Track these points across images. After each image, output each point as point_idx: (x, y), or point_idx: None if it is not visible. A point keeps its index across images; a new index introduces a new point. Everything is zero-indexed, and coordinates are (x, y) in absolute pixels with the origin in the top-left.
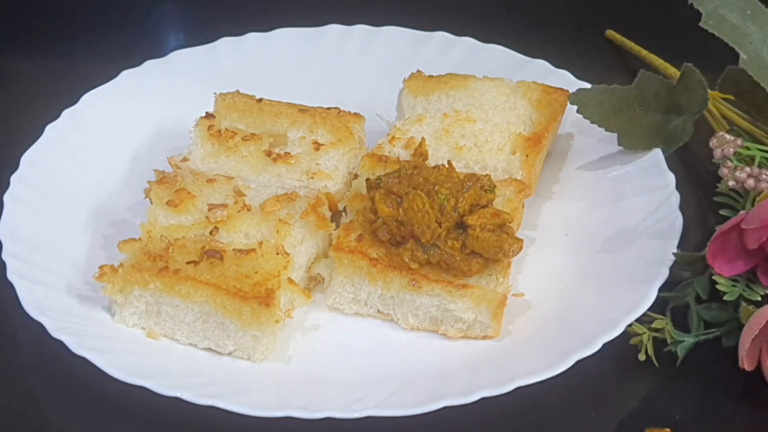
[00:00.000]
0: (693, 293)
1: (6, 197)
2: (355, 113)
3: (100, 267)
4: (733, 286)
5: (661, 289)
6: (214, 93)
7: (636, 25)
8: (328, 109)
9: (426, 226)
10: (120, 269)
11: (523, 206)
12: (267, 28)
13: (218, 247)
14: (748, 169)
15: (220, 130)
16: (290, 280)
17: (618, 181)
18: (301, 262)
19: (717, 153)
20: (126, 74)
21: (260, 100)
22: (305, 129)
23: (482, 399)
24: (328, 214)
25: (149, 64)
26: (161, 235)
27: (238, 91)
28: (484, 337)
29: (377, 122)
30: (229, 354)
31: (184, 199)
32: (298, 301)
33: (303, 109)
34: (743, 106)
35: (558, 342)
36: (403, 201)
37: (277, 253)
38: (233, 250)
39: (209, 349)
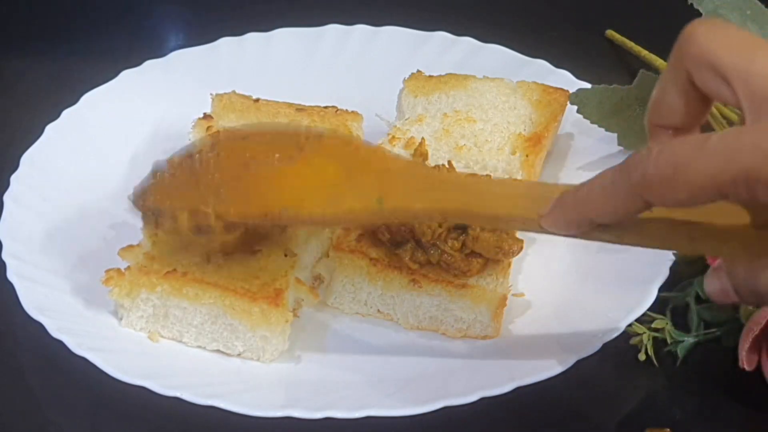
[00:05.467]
0: (693, 293)
1: (6, 197)
2: (352, 111)
3: (107, 271)
4: None
5: (661, 289)
6: (211, 94)
7: (636, 25)
8: (325, 107)
9: (426, 226)
10: (126, 272)
11: None
12: (267, 28)
13: None
14: None
15: (218, 131)
16: (297, 280)
17: None
18: (307, 261)
19: None
20: (126, 74)
21: (257, 100)
22: (303, 128)
23: (482, 399)
24: None
25: (149, 64)
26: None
27: (234, 92)
28: (484, 337)
29: (377, 122)
30: (239, 355)
31: None
32: (306, 301)
33: (300, 108)
34: None
35: (558, 342)
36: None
37: (285, 255)
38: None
39: (212, 350)
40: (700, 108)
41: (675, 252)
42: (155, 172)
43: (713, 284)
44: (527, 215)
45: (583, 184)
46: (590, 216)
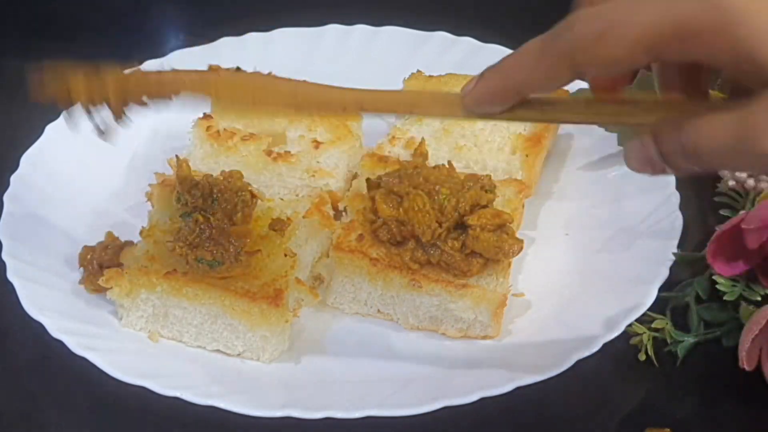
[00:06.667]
0: (693, 293)
1: (6, 197)
2: None
3: (107, 271)
4: (733, 286)
5: (661, 289)
6: None
7: None
8: None
9: (426, 226)
10: (126, 272)
11: (523, 206)
12: (267, 28)
13: None
14: None
15: (218, 131)
16: (297, 280)
17: (618, 181)
18: (307, 261)
19: None
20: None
21: None
22: (303, 127)
23: (482, 399)
24: (332, 212)
25: (149, 64)
26: (167, 241)
27: None
28: (484, 337)
29: (377, 122)
30: (238, 355)
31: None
32: (306, 300)
33: None
34: None
35: (558, 342)
36: (404, 201)
37: (285, 255)
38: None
39: (212, 350)
40: None
41: (674, 252)
42: None
43: (636, 152)
44: (449, 98)
45: (508, 55)
46: (517, 85)
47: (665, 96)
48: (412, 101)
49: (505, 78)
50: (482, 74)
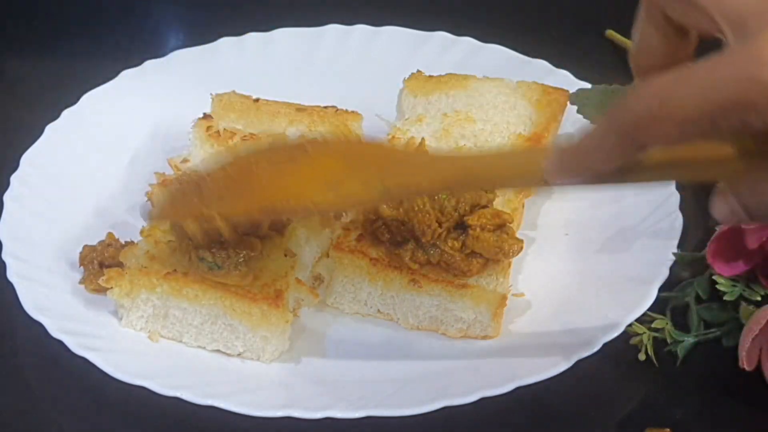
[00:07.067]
0: (693, 293)
1: (6, 197)
2: (352, 111)
3: (107, 271)
4: (733, 286)
5: (661, 289)
6: (211, 94)
7: None
8: (325, 107)
9: (426, 226)
10: (126, 272)
11: (523, 206)
12: (267, 28)
13: None
14: None
15: (218, 131)
16: (298, 280)
17: None
18: (307, 261)
19: None
20: (126, 74)
21: (257, 100)
22: (303, 128)
23: (482, 399)
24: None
25: (149, 64)
26: (168, 240)
27: (234, 92)
28: (484, 337)
29: (377, 122)
30: (239, 355)
31: None
32: (306, 301)
33: (300, 108)
34: None
35: (558, 342)
36: (404, 201)
37: (285, 255)
38: None
39: (212, 350)
40: (682, 43)
41: (674, 252)
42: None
43: (721, 208)
44: (531, 170)
45: (580, 137)
46: (590, 167)
47: (738, 146)
48: (494, 176)
49: (578, 161)
50: (559, 154)
